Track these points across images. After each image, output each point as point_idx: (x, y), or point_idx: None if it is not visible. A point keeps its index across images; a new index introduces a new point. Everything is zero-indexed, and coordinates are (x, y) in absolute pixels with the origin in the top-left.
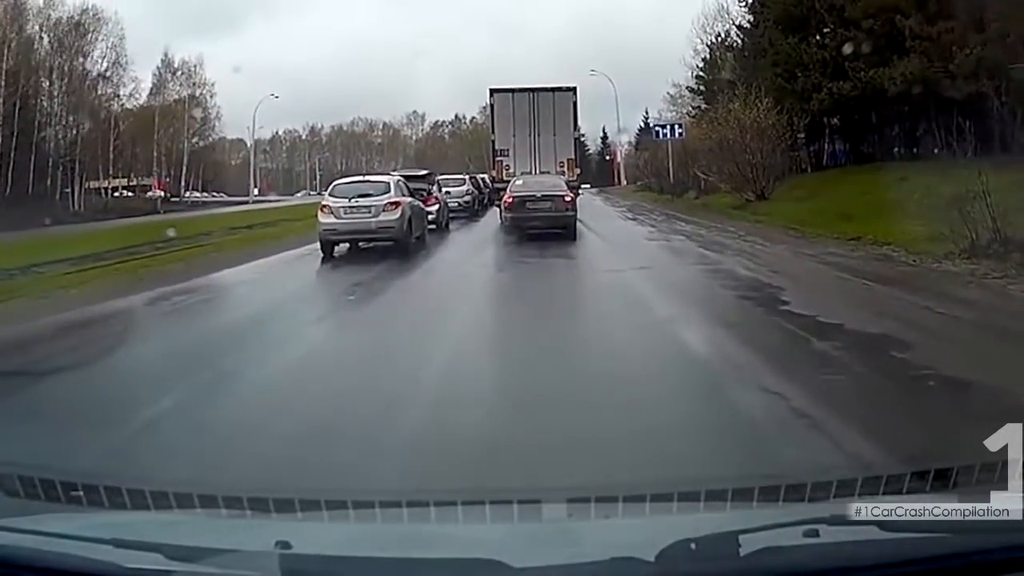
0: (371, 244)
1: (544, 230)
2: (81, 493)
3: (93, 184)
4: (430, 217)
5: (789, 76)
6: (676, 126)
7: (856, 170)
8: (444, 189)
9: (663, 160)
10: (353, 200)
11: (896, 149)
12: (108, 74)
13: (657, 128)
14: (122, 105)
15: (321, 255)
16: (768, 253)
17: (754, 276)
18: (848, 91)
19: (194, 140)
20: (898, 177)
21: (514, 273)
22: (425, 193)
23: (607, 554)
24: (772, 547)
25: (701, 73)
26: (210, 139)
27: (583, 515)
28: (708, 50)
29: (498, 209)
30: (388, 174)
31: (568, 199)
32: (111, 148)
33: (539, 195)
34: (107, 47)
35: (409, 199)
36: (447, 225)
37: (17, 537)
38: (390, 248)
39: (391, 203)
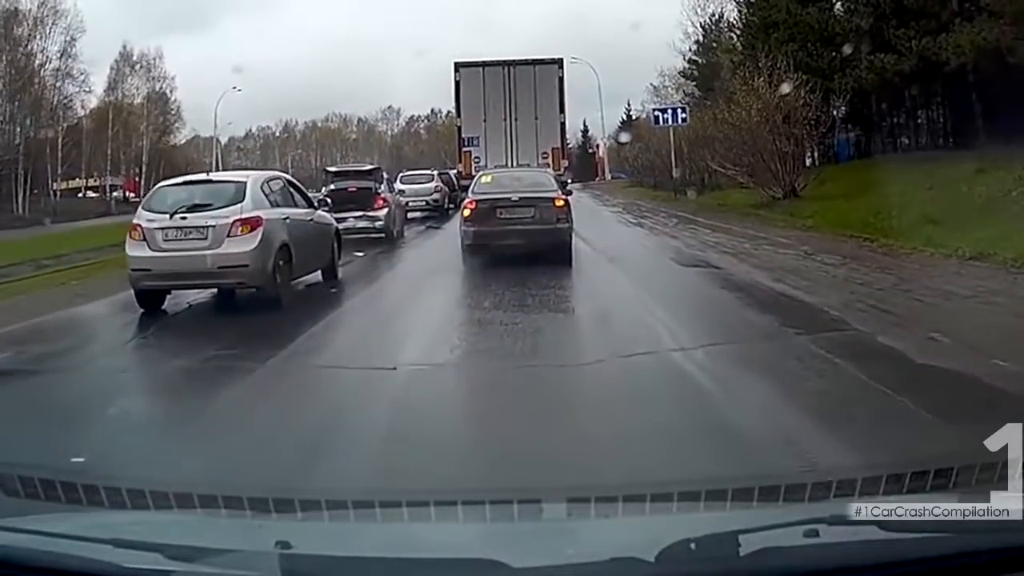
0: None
1: (524, 250)
2: (81, 493)
3: (57, 186)
4: (377, 224)
5: (810, 51)
6: (679, 110)
7: (890, 160)
8: (408, 187)
9: (659, 152)
10: (178, 217)
11: (920, 139)
12: (64, 68)
13: (656, 113)
14: (70, 100)
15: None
16: (902, 292)
17: (975, 379)
18: (892, 65)
19: (157, 137)
20: (973, 168)
21: (471, 370)
22: (371, 192)
23: (607, 554)
24: (772, 547)
25: (695, 57)
26: (173, 136)
27: (583, 515)
28: (702, 31)
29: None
30: (278, 170)
31: (560, 203)
32: (59, 147)
33: (516, 198)
34: (64, 41)
35: (290, 212)
36: (401, 233)
37: (17, 537)
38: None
39: (242, 222)
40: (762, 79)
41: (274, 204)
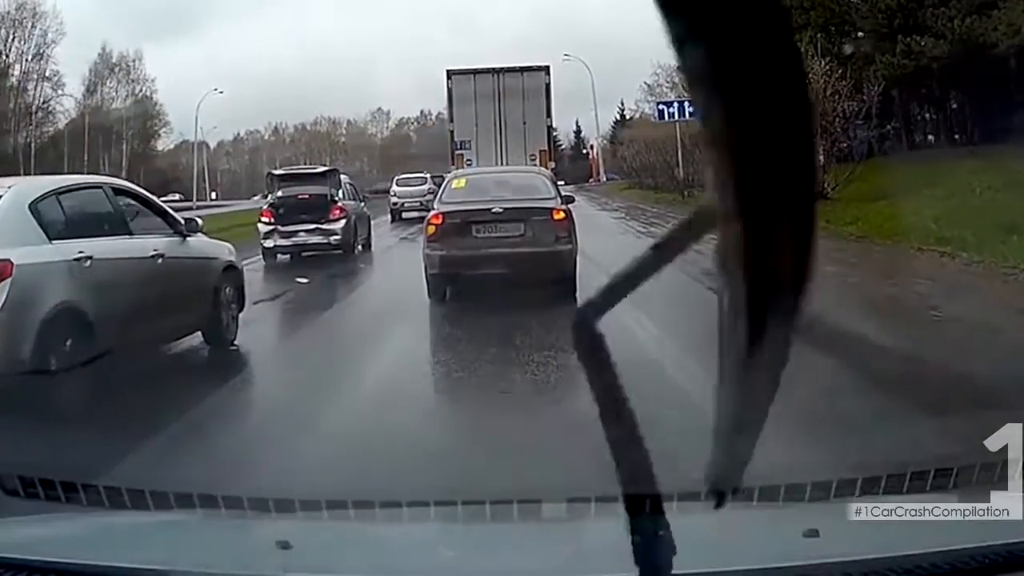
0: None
1: (509, 280)
2: (81, 493)
3: None
4: (333, 239)
5: (829, 37)
6: (687, 103)
7: (915, 158)
8: (403, 188)
9: (661, 151)
10: None
11: (946, 134)
12: (41, 71)
13: (661, 107)
14: (47, 104)
15: None
16: None
17: None
18: (930, 49)
19: (143, 142)
20: None
21: None
22: (326, 200)
23: (607, 554)
24: (772, 547)
25: None
26: (159, 141)
27: (583, 515)
28: None
29: None
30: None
31: (560, 216)
32: (32, 152)
33: (499, 209)
34: (42, 43)
35: (100, 246)
36: (367, 245)
37: (17, 537)
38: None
39: None
40: None
41: (59, 235)
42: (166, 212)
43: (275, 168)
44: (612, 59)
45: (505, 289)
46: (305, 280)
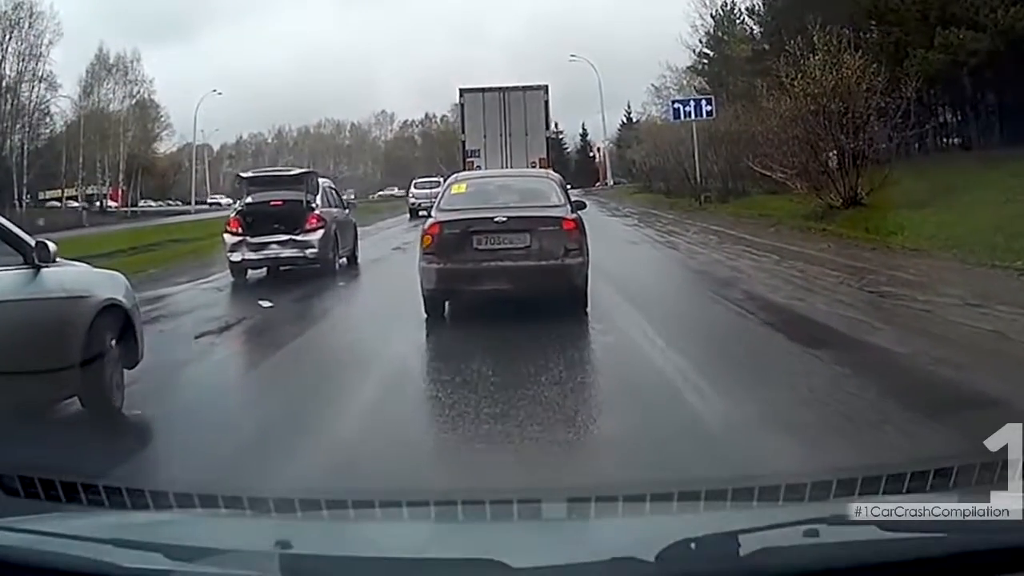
0: None
1: (512, 297)
2: (81, 493)
3: (26, 196)
4: (309, 252)
5: (861, 29)
6: (704, 102)
7: (947, 160)
8: (420, 191)
9: (674, 153)
10: None
11: (979, 135)
12: (38, 72)
13: (677, 106)
14: (44, 104)
15: None
16: None
17: None
18: (968, 43)
19: (144, 144)
20: None
21: None
22: (301, 208)
23: (607, 554)
24: (772, 547)
25: (706, 50)
26: (161, 144)
27: (583, 515)
28: (713, 23)
29: None
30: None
31: (570, 225)
32: (25, 154)
33: (503, 218)
34: (39, 44)
35: None
36: (353, 257)
37: (17, 537)
38: None
39: None
40: (818, 57)
41: None
42: (10, 234)
43: (244, 171)
44: (617, 62)
45: (508, 310)
46: (269, 304)
